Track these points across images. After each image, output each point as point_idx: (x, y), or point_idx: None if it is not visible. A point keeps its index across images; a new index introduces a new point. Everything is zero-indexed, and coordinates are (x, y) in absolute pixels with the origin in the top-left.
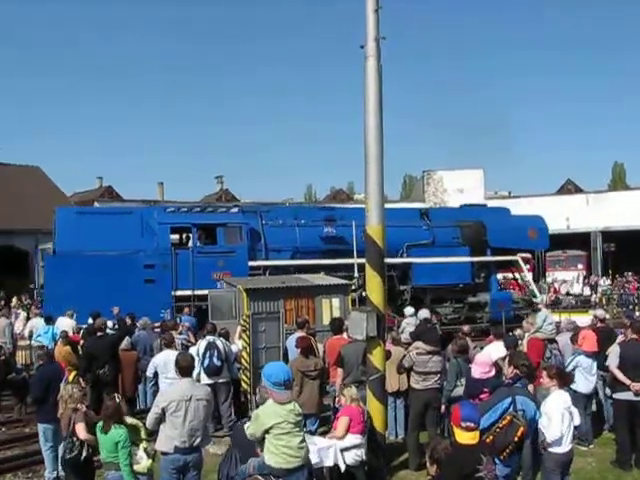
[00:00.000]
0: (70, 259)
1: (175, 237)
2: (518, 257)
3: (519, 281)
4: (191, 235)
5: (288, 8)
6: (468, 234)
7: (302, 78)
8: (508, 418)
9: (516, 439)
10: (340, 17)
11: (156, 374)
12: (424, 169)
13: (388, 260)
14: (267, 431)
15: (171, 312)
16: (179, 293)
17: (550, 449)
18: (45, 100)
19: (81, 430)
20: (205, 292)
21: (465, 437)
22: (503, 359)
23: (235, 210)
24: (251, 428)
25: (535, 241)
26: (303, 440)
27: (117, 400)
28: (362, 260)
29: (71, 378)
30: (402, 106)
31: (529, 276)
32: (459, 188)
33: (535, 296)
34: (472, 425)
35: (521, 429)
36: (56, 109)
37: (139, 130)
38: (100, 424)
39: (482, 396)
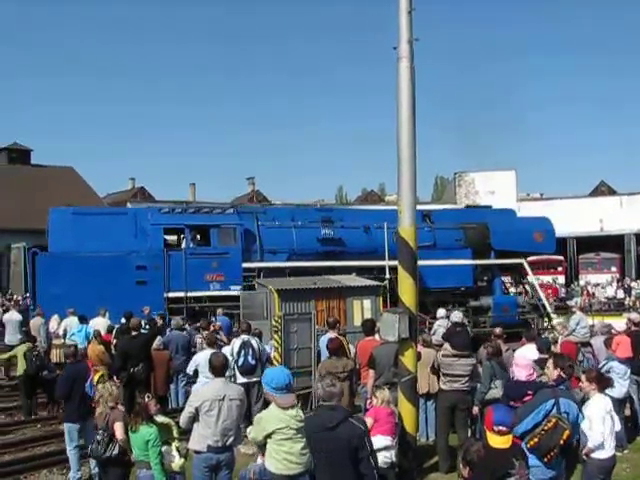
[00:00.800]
0: (63, 259)
1: (173, 238)
2: (523, 260)
3: (554, 285)
4: (184, 236)
5: (318, 9)
6: (471, 236)
7: (333, 79)
8: (553, 421)
9: (561, 442)
10: (372, 17)
11: (196, 372)
12: (456, 171)
13: (387, 262)
14: (269, 436)
15: (163, 314)
16: (171, 295)
17: (592, 455)
18: (79, 101)
19: (119, 429)
20: (198, 294)
21: (497, 441)
22: (535, 362)
23: (231, 211)
24: (253, 432)
25: (541, 244)
26: (305, 446)
27: (146, 399)
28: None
29: (96, 378)
30: (433, 107)
31: (535, 280)
32: (491, 190)
33: (540, 300)
34: (504, 429)
35: (566, 432)
36: (90, 110)
37: (172, 131)
38: (132, 423)
39: (525, 398)
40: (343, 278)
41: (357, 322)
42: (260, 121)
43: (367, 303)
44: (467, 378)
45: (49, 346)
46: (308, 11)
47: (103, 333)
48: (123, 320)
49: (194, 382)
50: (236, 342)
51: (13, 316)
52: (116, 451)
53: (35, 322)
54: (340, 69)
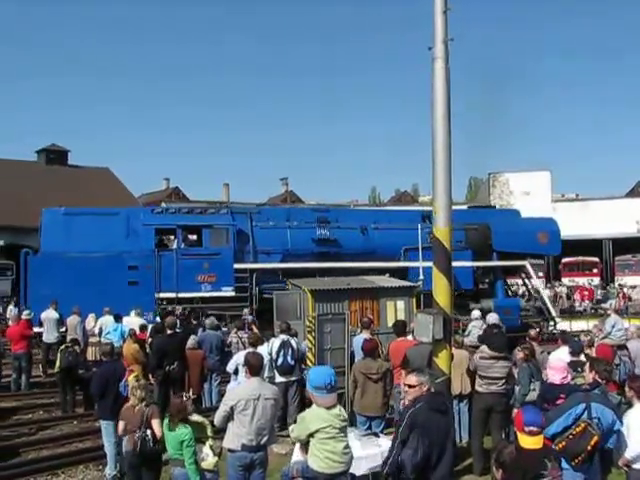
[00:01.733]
0: (54, 260)
1: (171, 238)
2: (526, 262)
3: (589, 287)
4: (176, 237)
5: (352, 9)
6: (472, 238)
7: (367, 80)
8: (582, 426)
9: (589, 448)
10: (407, 17)
11: (236, 371)
12: (490, 171)
13: (380, 264)
14: (312, 435)
15: (154, 314)
16: (163, 295)
17: (633, 465)
18: (115, 102)
19: (157, 426)
20: (189, 295)
21: (529, 442)
22: (568, 364)
23: (224, 212)
24: (295, 431)
25: (545, 245)
26: (347, 445)
27: (184, 399)
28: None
29: (131, 378)
30: (467, 106)
31: (539, 283)
32: (525, 190)
33: (545, 304)
34: (535, 429)
35: (595, 438)
36: (126, 111)
37: (206, 132)
38: (167, 421)
39: (558, 401)
40: (377, 279)
41: (390, 323)
42: (294, 122)
43: (400, 304)
44: (504, 380)
45: (85, 344)
46: (342, 11)
47: (137, 332)
48: (158, 319)
49: (228, 381)
50: (275, 342)
51: (50, 314)
52: (159, 447)
53: (72, 320)
54: (374, 70)
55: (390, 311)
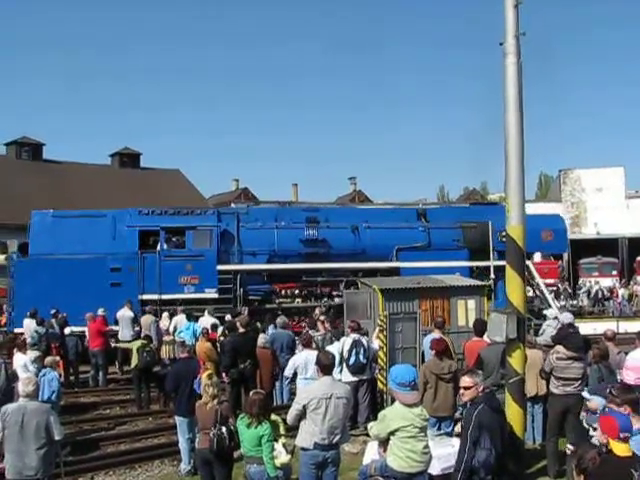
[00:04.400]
0: (40, 262)
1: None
2: (528, 262)
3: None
4: (160, 238)
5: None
6: (471, 236)
7: (432, 78)
8: None
9: None
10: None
11: (295, 375)
12: (560, 168)
13: (371, 264)
14: (392, 433)
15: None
16: (146, 297)
17: None
18: (186, 104)
19: (233, 424)
20: (172, 297)
21: (622, 449)
22: None
23: (211, 213)
24: (375, 428)
25: (549, 243)
26: (427, 445)
27: (262, 395)
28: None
29: (205, 376)
30: (535, 102)
31: (542, 283)
32: (598, 187)
33: (550, 306)
34: (628, 435)
35: None
36: (196, 114)
37: (275, 134)
38: (244, 418)
39: None
40: (447, 278)
41: (461, 322)
42: (361, 121)
43: (471, 303)
44: (580, 381)
45: (159, 343)
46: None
47: (209, 331)
48: (228, 317)
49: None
50: (347, 341)
51: (126, 313)
52: (234, 445)
53: (146, 319)
54: (441, 69)
55: (461, 310)
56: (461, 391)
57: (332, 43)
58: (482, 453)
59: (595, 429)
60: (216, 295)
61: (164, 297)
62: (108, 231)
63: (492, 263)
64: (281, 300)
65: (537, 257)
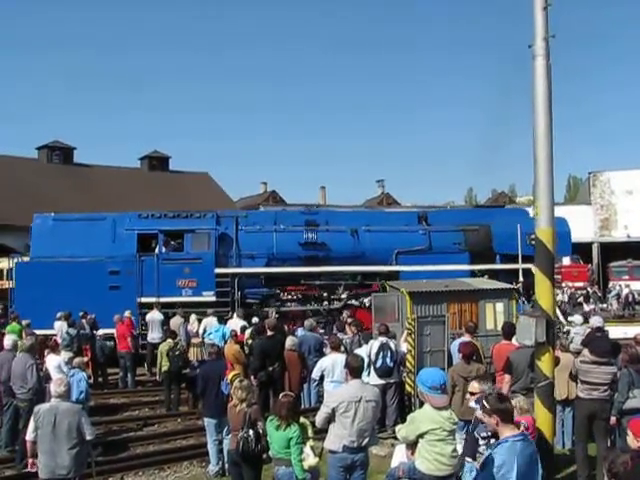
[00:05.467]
0: (40, 265)
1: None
2: (530, 265)
3: None
4: (158, 242)
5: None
6: (472, 240)
7: (462, 82)
8: None
9: None
10: (505, 12)
11: (322, 378)
12: (590, 170)
13: (369, 268)
14: (421, 436)
15: (137, 319)
16: (144, 300)
17: None
18: (215, 108)
19: (261, 426)
20: (170, 299)
21: None
22: None
23: (210, 216)
24: (404, 431)
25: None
26: (455, 449)
27: (291, 397)
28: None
29: (230, 376)
30: (564, 103)
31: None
32: (628, 189)
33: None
34: None
35: None
36: (225, 117)
37: (303, 137)
38: (273, 420)
39: None
40: (475, 281)
41: (489, 325)
42: (390, 124)
43: (500, 306)
44: (607, 386)
45: (188, 345)
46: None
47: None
48: (256, 319)
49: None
50: (374, 344)
51: (155, 315)
52: (261, 447)
53: (175, 321)
54: (467, 69)
55: (489, 313)
56: (467, 396)
57: (360, 43)
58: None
59: (484, 438)
60: (214, 298)
61: (162, 300)
62: (108, 234)
63: (520, 266)
64: (280, 303)
65: (566, 260)
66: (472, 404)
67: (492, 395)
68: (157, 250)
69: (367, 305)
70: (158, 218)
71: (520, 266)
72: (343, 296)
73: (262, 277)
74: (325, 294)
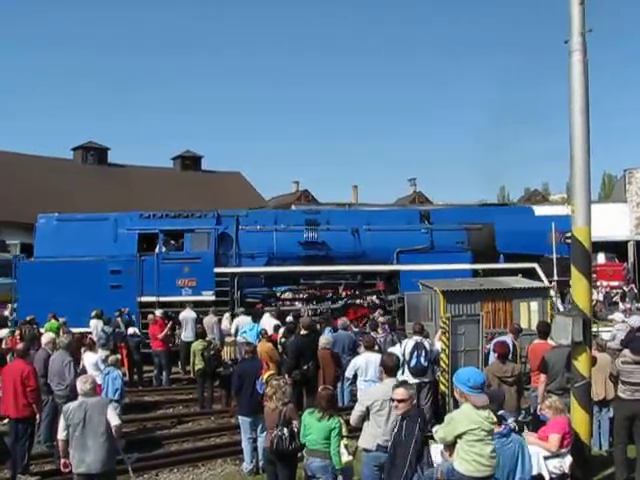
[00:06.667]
0: (42, 265)
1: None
2: (535, 265)
3: None
4: (158, 241)
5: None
6: (475, 238)
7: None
8: None
9: None
10: (540, 8)
11: (355, 376)
12: (625, 167)
13: (369, 267)
14: (459, 436)
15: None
16: (144, 299)
17: None
18: (246, 107)
19: (295, 425)
20: (170, 299)
21: None
22: None
23: (210, 216)
24: (442, 431)
25: (558, 246)
26: (494, 449)
27: (331, 391)
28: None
29: (266, 376)
30: (599, 99)
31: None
32: None
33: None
34: None
35: None
36: (257, 117)
37: (335, 136)
38: (314, 412)
39: None
40: (509, 279)
41: (524, 324)
42: (422, 124)
43: (534, 305)
44: None
45: (221, 343)
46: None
47: (270, 332)
48: (289, 318)
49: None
50: (409, 343)
51: (188, 314)
52: (295, 446)
53: (209, 320)
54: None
55: (523, 312)
56: (394, 403)
57: (392, 43)
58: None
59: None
60: (213, 297)
61: (162, 299)
62: (110, 234)
63: (521, 265)
64: (281, 302)
65: (601, 258)
66: (400, 411)
67: None
68: (157, 249)
69: (371, 304)
70: (159, 218)
71: (521, 265)
72: (343, 295)
73: (262, 276)
74: (327, 293)
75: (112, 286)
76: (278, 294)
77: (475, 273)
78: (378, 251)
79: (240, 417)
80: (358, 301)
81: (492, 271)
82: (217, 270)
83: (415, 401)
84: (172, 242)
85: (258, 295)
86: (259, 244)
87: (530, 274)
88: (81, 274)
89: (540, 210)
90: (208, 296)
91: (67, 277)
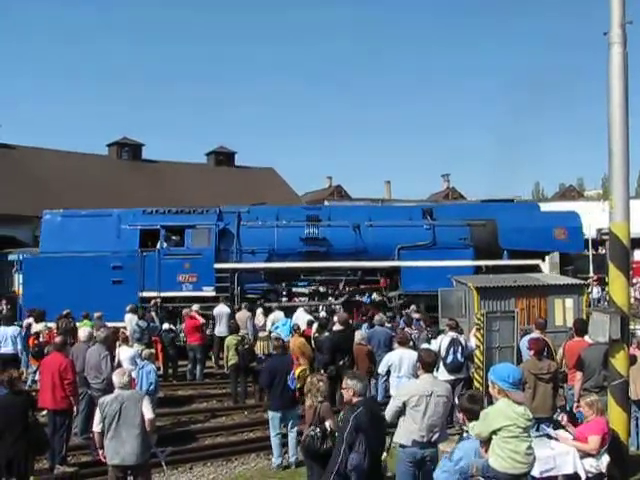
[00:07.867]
0: (47, 261)
1: (176, 239)
2: (539, 261)
3: None
4: (160, 237)
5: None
6: (478, 235)
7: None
8: None
9: None
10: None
11: (388, 372)
12: None
13: (370, 263)
14: (494, 432)
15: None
16: (145, 294)
17: None
18: (281, 105)
19: (329, 424)
20: (171, 294)
21: None
22: None
23: (212, 212)
24: (477, 427)
25: (563, 242)
26: (530, 446)
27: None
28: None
29: (298, 372)
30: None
31: None
32: None
33: None
34: None
35: None
36: (290, 113)
37: (368, 132)
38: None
39: None
40: (544, 276)
41: (559, 321)
42: (454, 120)
43: (569, 302)
44: None
45: (254, 338)
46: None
47: (303, 327)
48: (323, 314)
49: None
50: (444, 339)
51: (223, 309)
52: (327, 446)
53: (242, 315)
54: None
55: (558, 309)
56: (343, 391)
57: (428, 39)
58: (355, 457)
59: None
60: (213, 293)
61: (163, 295)
62: (113, 230)
63: (521, 263)
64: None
65: (637, 255)
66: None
67: (465, 396)
68: (158, 245)
69: (375, 301)
70: (162, 214)
71: (524, 262)
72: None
73: (262, 272)
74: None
75: (114, 281)
76: (282, 290)
77: (478, 270)
78: (380, 247)
79: (270, 412)
80: (360, 297)
81: (495, 268)
82: (217, 266)
83: (352, 392)
84: (173, 238)
85: (258, 291)
86: (260, 240)
87: (534, 271)
88: (84, 269)
89: (545, 207)
90: (209, 292)
91: (70, 272)
